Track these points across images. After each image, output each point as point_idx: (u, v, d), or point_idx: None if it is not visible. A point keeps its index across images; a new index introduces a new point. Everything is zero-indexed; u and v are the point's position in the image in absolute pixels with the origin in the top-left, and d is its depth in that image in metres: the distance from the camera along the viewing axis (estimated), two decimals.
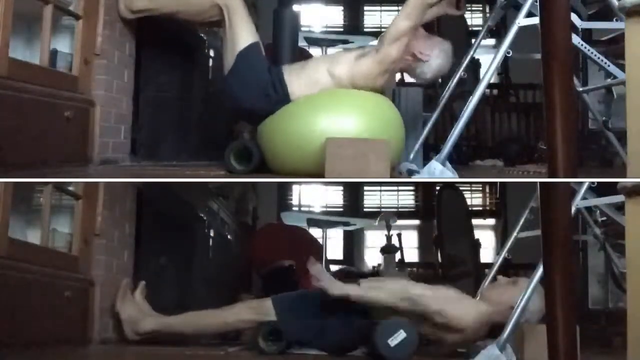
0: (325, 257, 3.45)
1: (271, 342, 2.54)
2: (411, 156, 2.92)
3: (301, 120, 2.44)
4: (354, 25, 7.65)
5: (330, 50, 3.66)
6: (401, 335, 2.45)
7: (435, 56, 2.69)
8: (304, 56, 3.05)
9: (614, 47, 3.33)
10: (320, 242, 3.60)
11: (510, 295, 2.62)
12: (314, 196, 7.62)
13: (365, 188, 7.59)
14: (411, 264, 6.63)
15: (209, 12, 2.68)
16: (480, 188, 7.60)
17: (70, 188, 2.53)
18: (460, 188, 6.33)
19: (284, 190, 7.44)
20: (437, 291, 2.63)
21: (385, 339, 2.46)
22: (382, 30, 7.35)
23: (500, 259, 3.12)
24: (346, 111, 2.46)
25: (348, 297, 2.57)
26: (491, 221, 7.51)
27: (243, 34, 2.63)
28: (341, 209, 7.52)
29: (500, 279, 2.82)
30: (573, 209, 2.62)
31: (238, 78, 2.59)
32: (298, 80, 2.57)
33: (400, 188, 7.58)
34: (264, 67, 2.62)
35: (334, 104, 2.48)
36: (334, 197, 7.65)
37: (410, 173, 2.62)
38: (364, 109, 2.48)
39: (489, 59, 2.67)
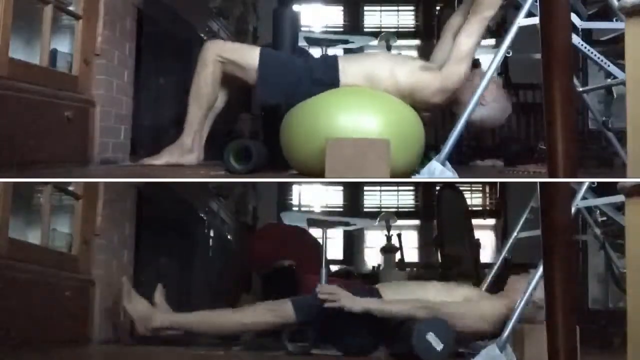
0: (325, 257, 3.43)
1: (297, 342, 2.53)
2: None
3: (321, 119, 2.43)
4: (354, 25, 7.64)
5: (331, 51, 3.65)
6: (437, 337, 2.42)
7: (491, 101, 2.63)
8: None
9: (614, 47, 3.32)
10: (320, 242, 3.59)
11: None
12: (314, 196, 7.61)
13: (365, 188, 7.58)
14: (411, 264, 6.62)
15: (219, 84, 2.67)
16: (480, 188, 7.58)
17: (70, 188, 2.53)
18: (460, 188, 6.32)
19: (284, 190, 7.43)
20: (456, 294, 2.62)
21: (423, 339, 2.42)
22: (382, 30, 7.39)
23: (501, 259, 3.12)
24: (368, 111, 2.44)
25: (369, 312, 2.56)
26: (491, 221, 7.50)
27: (247, 52, 2.64)
28: (341, 209, 7.51)
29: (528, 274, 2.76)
30: (573, 209, 2.61)
31: (271, 81, 2.58)
32: (356, 69, 2.56)
33: (400, 188, 7.56)
34: (293, 58, 2.65)
35: (356, 104, 2.46)
36: (334, 197, 7.64)
37: (411, 173, 2.61)
38: (385, 110, 2.46)
39: (489, 59, 2.67)
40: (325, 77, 2.56)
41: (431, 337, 2.41)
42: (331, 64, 2.59)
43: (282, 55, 2.67)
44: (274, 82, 2.58)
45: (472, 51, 2.51)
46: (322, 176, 2.27)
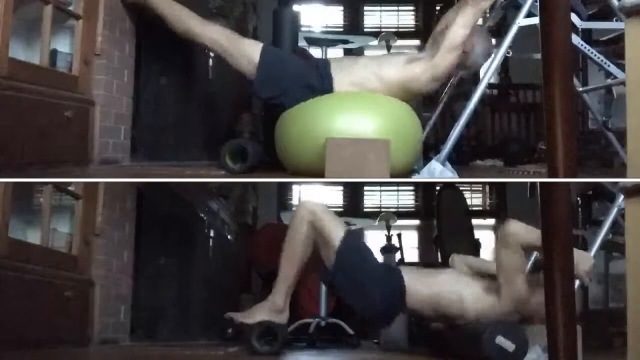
0: None
1: (265, 342, 2.48)
2: None
3: (318, 120, 2.43)
4: (354, 25, 7.64)
5: (330, 51, 3.65)
6: (509, 342, 2.28)
7: (477, 42, 2.64)
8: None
9: (614, 47, 3.33)
10: None
11: None
12: (314, 196, 7.61)
13: (365, 188, 7.58)
14: (411, 264, 6.62)
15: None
16: (480, 188, 7.59)
17: (70, 188, 2.53)
18: (460, 188, 6.32)
19: (284, 190, 7.43)
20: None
21: (492, 344, 2.27)
22: (382, 30, 7.38)
23: (532, 259, 3.10)
24: (363, 112, 2.44)
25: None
26: (491, 221, 7.50)
27: (250, 46, 2.64)
28: (341, 209, 7.51)
29: None
30: (614, 213, 2.56)
31: (269, 78, 2.58)
32: (346, 76, 2.58)
33: (400, 188, 7.56)
34: (294, 60, 2.65)
35: (352, 105, 2.47)
36: (334, 197, 7.65)
37: (410, 173, 2.61)
38: (382, 110, 2.46)
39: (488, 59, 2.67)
40: (319, 84, 2.57)
41: (501, 340, 2.27)
42: (325, 72, 2.60)
43: (286, 61, 2.67)
44: (273, 89, 2.59)
45: (463, 41, 2.51)
46: (321, 176, 2.27)
